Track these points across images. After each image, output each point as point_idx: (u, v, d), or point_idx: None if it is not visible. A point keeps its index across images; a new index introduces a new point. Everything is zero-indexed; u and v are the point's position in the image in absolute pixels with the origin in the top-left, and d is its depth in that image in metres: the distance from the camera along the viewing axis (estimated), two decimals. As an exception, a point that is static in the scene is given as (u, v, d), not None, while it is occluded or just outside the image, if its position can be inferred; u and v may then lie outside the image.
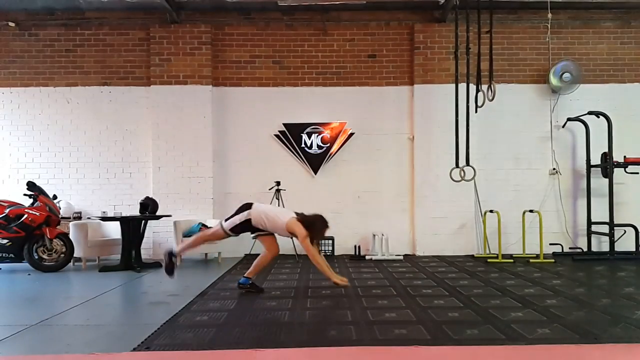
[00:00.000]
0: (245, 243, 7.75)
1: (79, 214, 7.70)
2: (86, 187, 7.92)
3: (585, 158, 7.67)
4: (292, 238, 5.27)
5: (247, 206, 4.86)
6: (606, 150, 7.32)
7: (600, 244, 7.82)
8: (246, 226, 4.83)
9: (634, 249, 7.26)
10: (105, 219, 6.94)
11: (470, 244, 7.82)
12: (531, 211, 7.15)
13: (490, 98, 6.02)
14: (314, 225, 4.76)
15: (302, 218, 4.79)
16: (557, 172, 7.93)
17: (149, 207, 6.99)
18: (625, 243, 7.39)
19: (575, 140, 8.01)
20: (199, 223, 7.36)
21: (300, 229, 4.67)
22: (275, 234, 4.98)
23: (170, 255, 4.94)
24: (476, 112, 6.48)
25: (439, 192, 7.76)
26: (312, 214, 4.89)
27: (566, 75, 7.68)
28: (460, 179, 6.61)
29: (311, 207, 7.85)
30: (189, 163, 7.83)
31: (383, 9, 7.98)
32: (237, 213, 4.85)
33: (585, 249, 7.66)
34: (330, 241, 7.73)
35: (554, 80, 7.71)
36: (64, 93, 7.94)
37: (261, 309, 4.27)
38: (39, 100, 7.92)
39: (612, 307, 4.24)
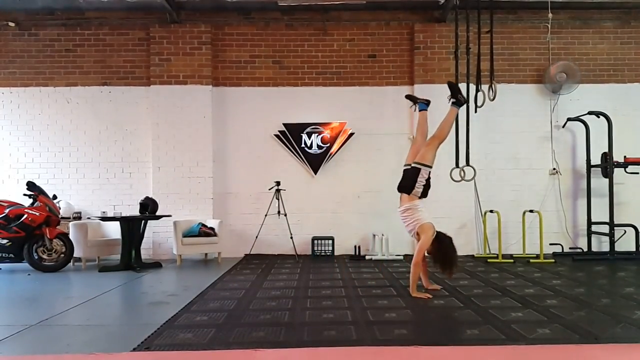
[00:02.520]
0: (246, 243, 7.77)
1: (78, 214, 7.70)
2: (86, 187, 7.93)
3: (585, 158, 7.68)
4: (415, 237, 5.01)
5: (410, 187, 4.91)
6: (606, 150, 7.32)
7: (601, 244, 7.82)
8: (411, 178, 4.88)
9: (634, 249, 7.26)
10: (105, 219, 6.94)
11: (471, 244, 7.82)
12: (531, 211, 7.15)
13: (492, 98, 6.01)
14: (444, 248, 4.66)
15: (441, 235, 4.74)
16: (557, 172, 7.93)
17: (148, 207, 7.00)
18: (625, 243, 7.40)
19: (575, 140, 8.01)
20: (199, 223, 7.36)
21: (430, 235, 4.65)
22: (407, 230, 4.93)
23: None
24: (476, 112, 6.46)
25: (439, 192, 7.73)
26: (451, 240, 4.76)
27: (561, 75, 7.68)
28: (460, 179, 6.59)
29: (311, 207, 7.95)
30: (189, 163, 7.83)
31: (383, 9, 7.99)
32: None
33: (585, 249, 7.66)
34: (330, 241, 7.74)
35: (550, 74, 7.69)
36: (63, 93, 7.94)
37: (261, 309, 4.27)
38: (38, 100, 7.93)
39: (612, 307, 4.25)
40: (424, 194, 4.93)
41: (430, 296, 4.66)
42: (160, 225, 7.64)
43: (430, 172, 4.94)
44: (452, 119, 5.20)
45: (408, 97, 5.68)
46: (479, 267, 6.56)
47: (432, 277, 5.32)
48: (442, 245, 4.67)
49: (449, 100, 5.31)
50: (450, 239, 4.75)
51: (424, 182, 4.90)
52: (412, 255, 7.73)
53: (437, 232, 4.75)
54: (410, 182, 4.88)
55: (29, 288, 5.54)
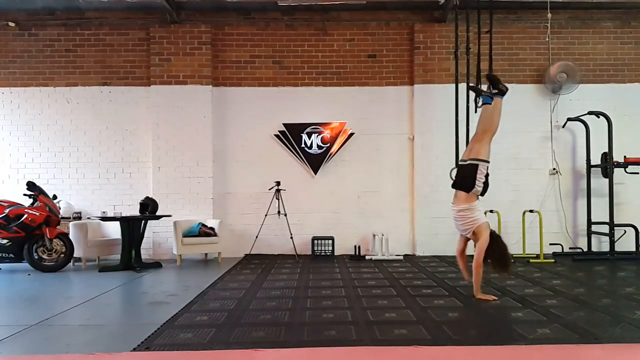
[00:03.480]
0: (246, 243, 7.77)
1: (79, 214, 7.70)
2: (86, 187, 7.92)
3: (585, 158, 7.68)
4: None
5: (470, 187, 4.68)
6: (606, 150, 7.32)
7: (600, 244, 7.82)
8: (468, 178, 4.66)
9: (634, 249, 7.26)
10: (105, 219, 6.94)
11: (471, 244, 7.78)
12: (531, 211, 7.15)
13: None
14: (498, 247, 4.57)
15: (494, 233, 4.66)
16: (557, 172, 7.93)
17: (149, 207, 7.00)
18: (625, 243, 7.39)
19: (575, 140, 8.00)
20: (199, 223, 7.36)
21: (487, 236, 4.54)
22: (461, 229, 4.79)
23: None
24: (476, 112, 6.47)
25: (439, 192, 7.74)
26: (501, 238, 4.71)
27: (561, 75, 7.69)
28: (460, 179, 6.60)
29: (311, 207, 7.95)
30: (189, 163, 7.83)
31: (383, 9, 7.98)
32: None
33: (585, 249, 7.65)
34: (330, 241, 7.74)
35: (551, 75, 7.69)
36: (64, 93, 7.94)
37: (261, 309, 4.27)
38: (39, 100, 7.93)
39: (612, 307, 4.25)
40: (482, 193, 4.75)
41: (497, 298, 4.54)
42: (160, 225, 7.65)
43: (488, 167, 4.75)
44: (499, 109, 5.01)
45: (472, 88, 5.49)
46: (479, 267, 6.55)
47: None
48: (495, 244, 4.56)
49: (489, 92, 5.13)
50: (500, 237, 4.67)
51: (484, 179, 4.70)
52: (412, 255, 7.81)
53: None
54: (470, 179, 4.66)
55: (29, 288, 5.54)
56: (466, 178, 4.69)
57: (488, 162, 4.75)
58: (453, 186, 4.89)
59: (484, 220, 4.64)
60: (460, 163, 4.97)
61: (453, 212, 4.82)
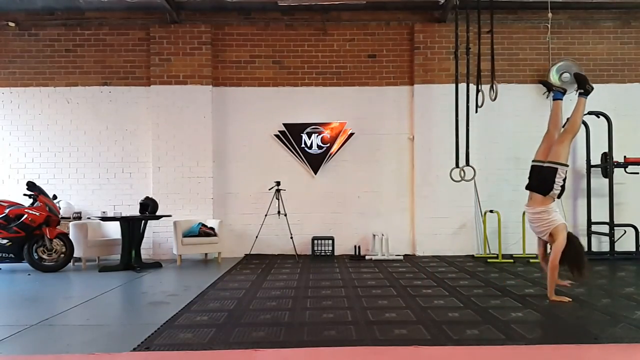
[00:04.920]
0: (246, 243, 7.77)
1: (79, 214, 7.70)
2: (86, 187, 7.92)
3: (585, 158, 7.67)
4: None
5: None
6: (606, 150, 7.32)
7: (600, 244, 7.82)
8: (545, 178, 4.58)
9: (634, 249, 7.26)
10: (105, 219, 6.94)
11: (470, 244, 7.81)
12: (531, 211, 7.15)
13: (493, 98, 6.01)
14: (574, 249, 4.49)
15: (570, 235, 4.57)
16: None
17: (149, 207, 7.00)
18: (625, 243, 7.39)
19: (575, 140, 7.96)
20: (199, 223, 7.36)
21: (565, 236, 4.47)
22: (537, 231, 4.70)
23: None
24: (476, 112, 6.46)
25: (439, 192, 7.75)
26: (579, 240, 4.63)
27: (565, 75, 7.67)
28: (460, 179, 6.60)
29: (311, 207, 7.95)
30: (189, 163, 7.83)
31: (383, 9, 7.99)
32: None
33: (585, 249, 7.64)
34: (330, 241, 7.74)
35: (554, 77, 7.68)
36: (64, 93, 7.94)
37: (261, 309, 4.27)
38: (39, 100, 7.92)
39: (612, 307, 4.25)
40: (559, 195, 4.66)
41: (570, 300, 4.48)
42: (160, 225, 7.64)
43: (566, 171, 4.62)
44: (583, 110, 4.88)
45: (543, 83, 5.38)
46: (479, 267, 6.56)
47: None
48: (572, 245, 4.48)
49: (576, 91, 5.03)
50: (577, 238, 4.59)
51: (562, 183, 4.59)
52: (412, 255, 7.81)
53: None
54: (548, 182, 4.58)
55: (29, 288, 5.54)
56: (544, 181, 4.61)
57: (567, 165, 4.63)
58: (528, 188, 4.80)
59: (561, 222, 4.56)
60: (534, 163, 4.83)
61: (528, 214, 4.76)
